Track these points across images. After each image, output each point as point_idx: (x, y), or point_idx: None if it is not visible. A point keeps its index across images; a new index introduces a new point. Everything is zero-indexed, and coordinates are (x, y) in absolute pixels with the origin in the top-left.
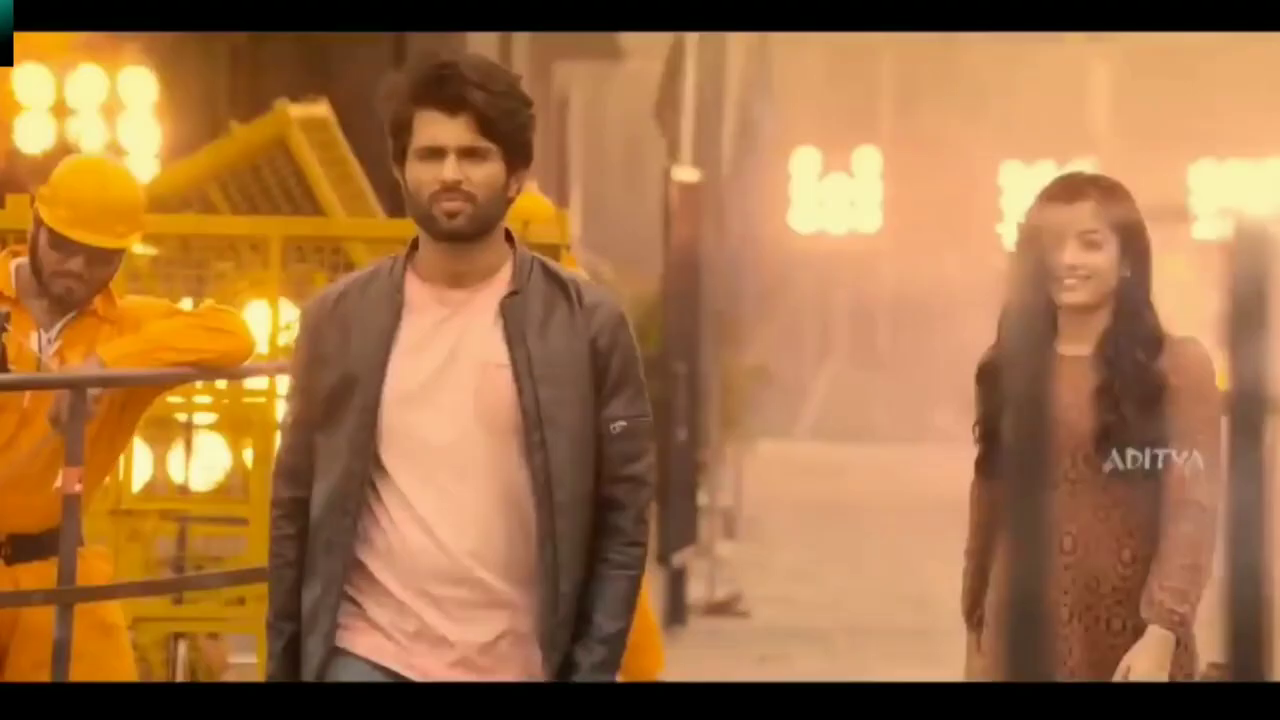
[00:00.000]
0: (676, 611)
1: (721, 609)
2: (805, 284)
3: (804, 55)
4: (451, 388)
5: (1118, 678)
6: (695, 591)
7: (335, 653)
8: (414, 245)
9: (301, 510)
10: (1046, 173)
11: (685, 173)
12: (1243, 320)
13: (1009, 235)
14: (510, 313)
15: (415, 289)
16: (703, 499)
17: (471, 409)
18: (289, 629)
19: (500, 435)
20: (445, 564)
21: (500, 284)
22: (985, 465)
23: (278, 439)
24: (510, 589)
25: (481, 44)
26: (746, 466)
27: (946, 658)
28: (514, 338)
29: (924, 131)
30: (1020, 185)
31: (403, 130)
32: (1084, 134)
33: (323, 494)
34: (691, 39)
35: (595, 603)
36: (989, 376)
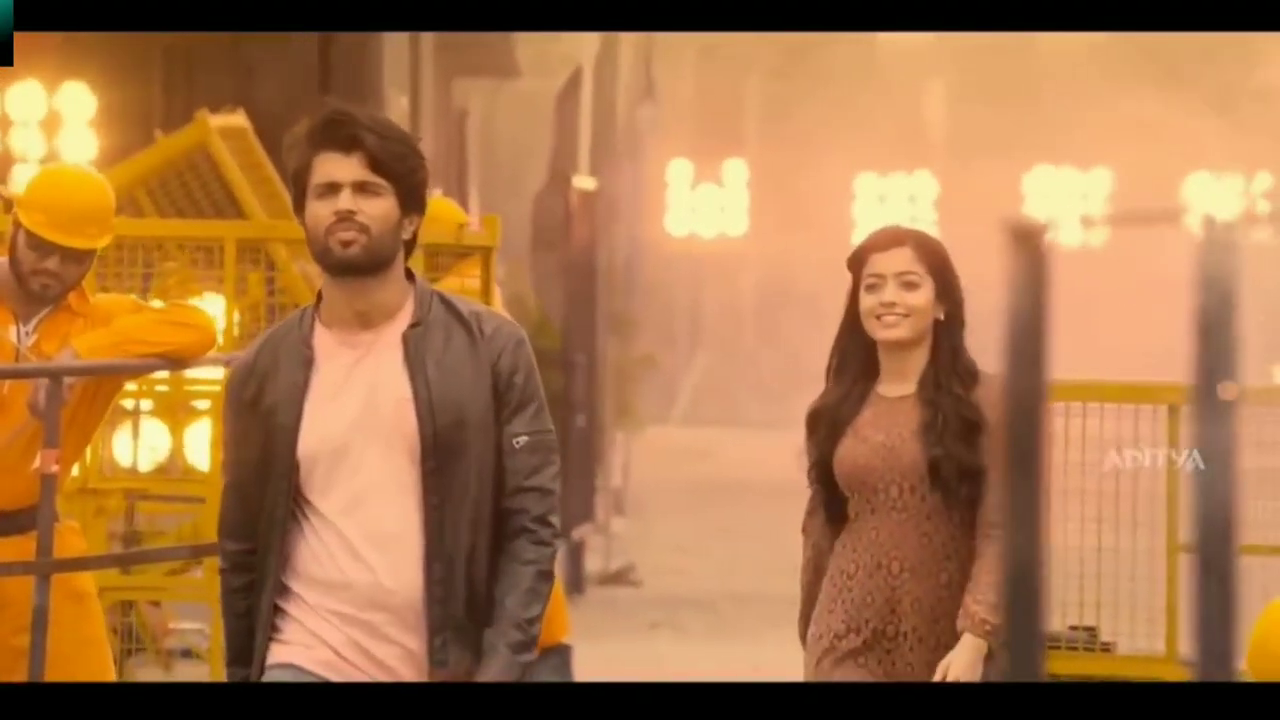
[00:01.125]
0: (576, 581)
1: (616, 579)
2: (678, 282)
3: (678, 75)
4: (376, 426)
5: (936, 678)
6: (592, 563)
7: (269, 670)
8: (320, 296)
9: (248, 563)
10: (898, 183)
11: (585, 181)
12: (1209, 322)
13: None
14: (411, 344)
15: (323, 339)
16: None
17: (395, 444)
18: (242, 674)
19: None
20: (382, 591)
21: (404, 320)
22: (818, 506)
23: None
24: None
25: (393, 58)
26: (632, 449)
27: None
28: (415, 368)
29: (787, 145)
30: (871, 193)
31: (302, 173)
32: (928, 145)
33: (260, 540)
34: (588, 61)
35: (507, 592)
36: (817, 422)
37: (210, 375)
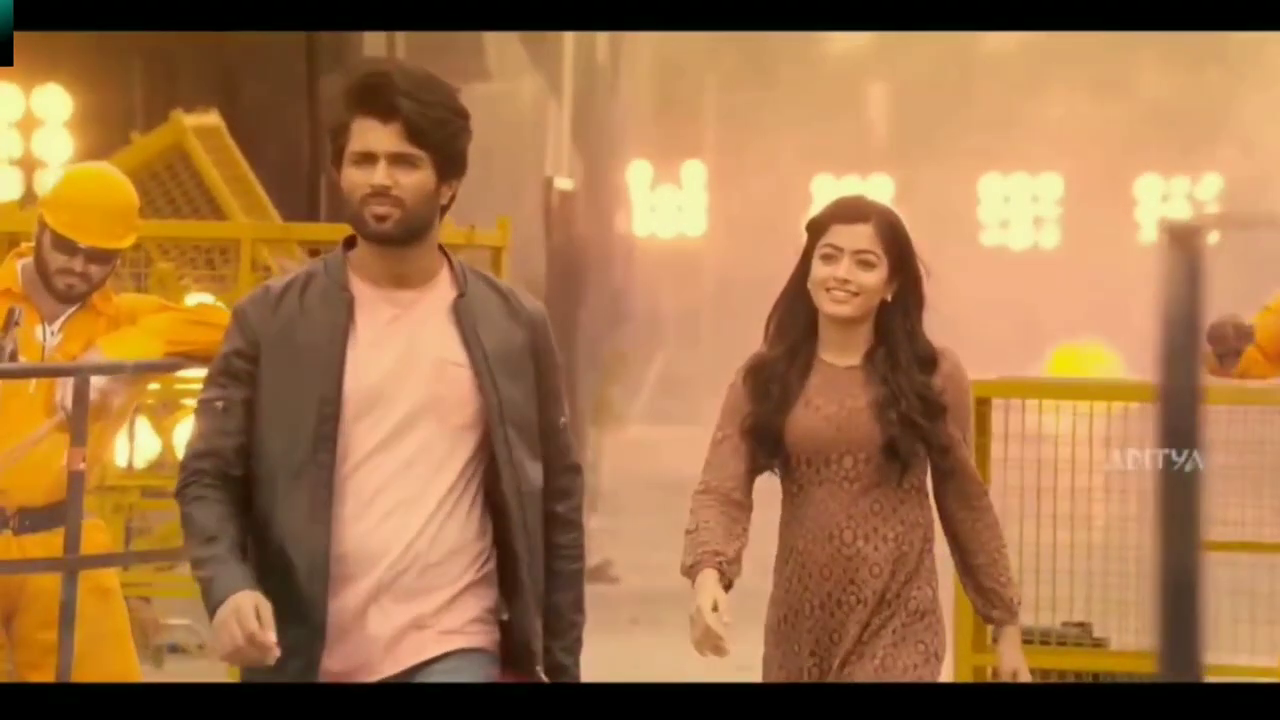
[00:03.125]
0: None
1: (594, 576)
2: (637, 282)
3: (636, 77)
4: (409, 384)
5: (1005, 679)
6: None
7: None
8: (346, 246)
9: (225, 475)
10: (853, 186)
11: (563, 182)
12: None
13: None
14: (463, 314)
15: (361, 289)
16: None
17: (428, 405)
18: (227, 539)
19: (453, 430)
20: (396, 556)
21: (442, 285)
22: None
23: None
24: (446, 578)
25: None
26: (602, 446)
27: None
28: (469, 338)
29: (745, 147)
30: (828, 196)
31: (339, 133)
32: (885, 148)
33: (285, 500)
34: (567, 63)
35: (567, 600)
36: (763, 381)
37: (197, 374)
